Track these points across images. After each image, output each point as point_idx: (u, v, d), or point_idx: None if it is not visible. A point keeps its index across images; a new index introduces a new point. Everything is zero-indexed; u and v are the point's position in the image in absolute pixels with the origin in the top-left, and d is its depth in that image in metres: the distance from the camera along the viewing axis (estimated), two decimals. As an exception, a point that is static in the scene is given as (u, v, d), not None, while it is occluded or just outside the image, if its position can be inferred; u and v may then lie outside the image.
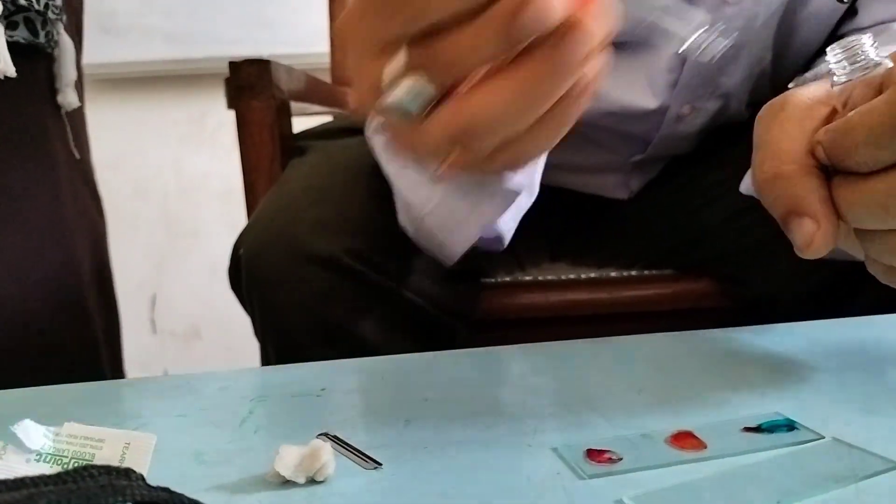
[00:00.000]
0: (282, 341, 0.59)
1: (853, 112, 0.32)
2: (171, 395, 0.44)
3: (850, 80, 0.35)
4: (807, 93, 0.36)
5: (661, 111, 0.61)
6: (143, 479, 0.28)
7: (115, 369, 0.77)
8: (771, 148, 0.35)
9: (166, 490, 0.29)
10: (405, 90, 0.30)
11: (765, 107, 0.37)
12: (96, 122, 1.88)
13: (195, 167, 1.83)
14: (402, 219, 0.51)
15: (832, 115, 0.35)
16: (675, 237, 0.71)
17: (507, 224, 0.49)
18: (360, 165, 0.60)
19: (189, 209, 1.83)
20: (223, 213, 1.81)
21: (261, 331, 0.61)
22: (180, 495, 0.29)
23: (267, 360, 0.63)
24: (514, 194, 0.44)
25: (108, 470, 0.30)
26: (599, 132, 0.63)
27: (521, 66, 0.29)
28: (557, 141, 0.32)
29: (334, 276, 0.57)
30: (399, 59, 0.30)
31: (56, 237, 0.68)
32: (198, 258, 1.81)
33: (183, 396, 0.43)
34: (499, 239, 0.50)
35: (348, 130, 0.75)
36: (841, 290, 0.58)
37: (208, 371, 0.47)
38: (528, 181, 0.45)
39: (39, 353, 0.65)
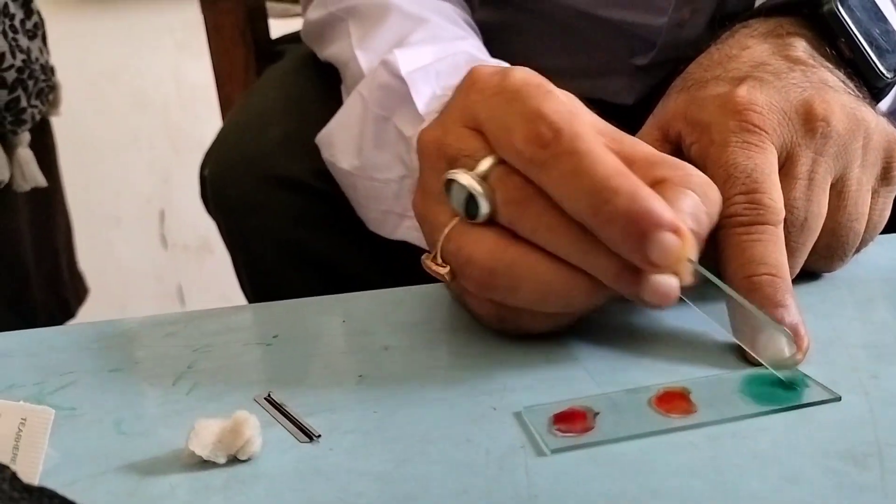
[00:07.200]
0: (252, 267, 0.54)
1: None
2: (109, 345, 0.40)
3: None
4: None
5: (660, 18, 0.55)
6: (14, 477, 0.24)
7: (52, 300, 0.71)
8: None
9: (38, 491, 0.24)
10: (464, 188, 0.31)
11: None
12: (90, 30, 1.81)
13: (195, 76, 1.75)
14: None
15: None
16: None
17: None
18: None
19: (192, 121, 1.76)
20: (227, 124, 1.74)
21: (231, 255, 0.57)
22: (55, 499, 0.24)
23: (242, 284, 0.58)
24: None
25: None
26: (599, 32, 0.56)
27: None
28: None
29: (303, 199, 0.51)
30: (485, 164, 0.30)
31: None
32: (204, 171, 1.76)
33: (122, 346, 0.39)
34: None
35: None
36: None
37: (163, 314, 0.42)
38: None
39: None
